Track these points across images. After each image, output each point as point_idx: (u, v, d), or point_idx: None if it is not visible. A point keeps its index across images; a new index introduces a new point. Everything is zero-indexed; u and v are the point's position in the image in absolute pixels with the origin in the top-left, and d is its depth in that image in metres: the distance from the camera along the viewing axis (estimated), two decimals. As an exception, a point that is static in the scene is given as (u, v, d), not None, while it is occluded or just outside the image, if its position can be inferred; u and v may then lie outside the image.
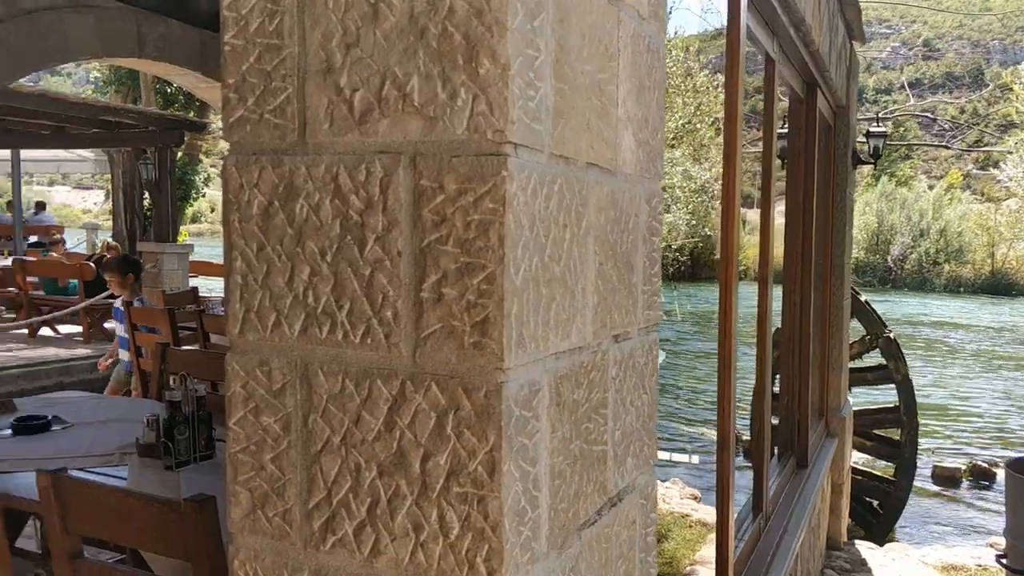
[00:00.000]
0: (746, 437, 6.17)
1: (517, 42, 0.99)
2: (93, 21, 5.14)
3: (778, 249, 3.70)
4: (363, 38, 1.07)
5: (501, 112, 0.98)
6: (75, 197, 44.42)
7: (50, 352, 9.94)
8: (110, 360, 5.68)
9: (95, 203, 46.31)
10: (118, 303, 5.30)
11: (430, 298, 1.04)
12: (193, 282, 11.03)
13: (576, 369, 1.19)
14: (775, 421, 4.03)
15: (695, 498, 6.22)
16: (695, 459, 8.21)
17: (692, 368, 16.25)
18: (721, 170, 2.62)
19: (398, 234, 1.06)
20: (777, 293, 3.82)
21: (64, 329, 11.05)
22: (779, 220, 3.68)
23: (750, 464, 3.58)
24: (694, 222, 31.89)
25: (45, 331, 10.85)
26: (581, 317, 1.19)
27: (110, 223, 16.35)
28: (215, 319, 5.18)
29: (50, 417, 3.03)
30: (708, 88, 32.48)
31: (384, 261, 1.07)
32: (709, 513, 5.82)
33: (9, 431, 2.95)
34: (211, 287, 12.64)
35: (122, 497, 1.85)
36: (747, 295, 3.01)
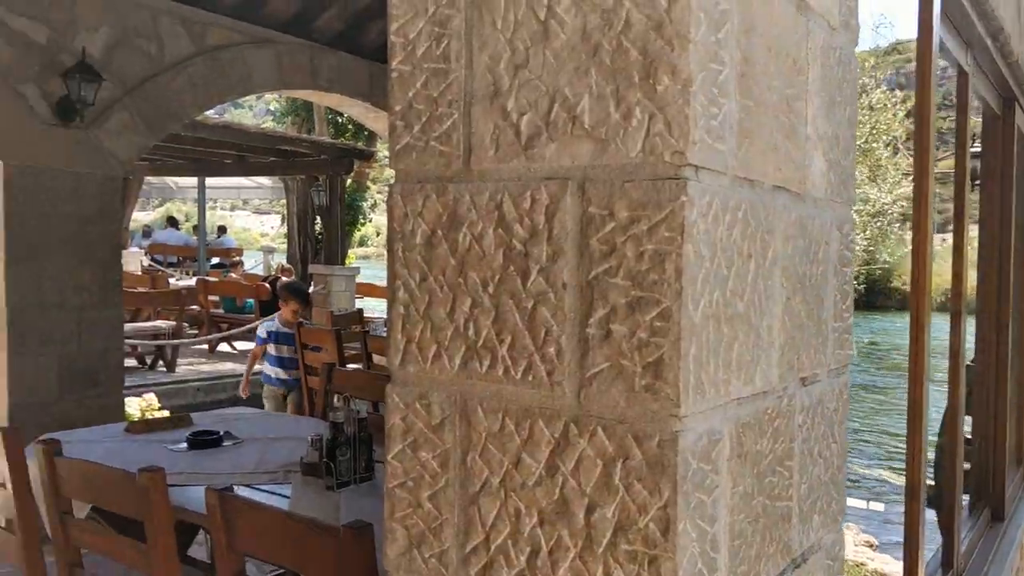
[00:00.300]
0: (930, 482, 5.66)
1: (700, 56, 0.90)
2: (272, 55, 5.44)
3: (970, 278, 3.36)
4: (532, 58, 1.01)
5: (681, 132, 0.89)
6: (254, 221, 47.59)
7: (227, 367, 10.62)
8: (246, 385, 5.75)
9: (272, 227, 49.41)
10: (261, 330, 5.47)
11: (597, 334, 0.96)
12: (359, 303, 11.48)
13: (760, 417, 1.07)
14: (966, 466, 3.66)
15: (871, 545, 5.78)
16: (877, 506, 7.63)
17: (859, 400, 15.29)
18: (900, 192, 2.39)
19: (563, 265, 0.99)
20: (970, 327, 3.47)
21: (240, 345, 11.79)
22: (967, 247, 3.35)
23: (935, 512, 3.25)
24: (871, 248, 30.15)
25: (223, 347, 11.62)
26: (766, 358, 1.08)
27: (285, 246, 17.38)
28: (378, 339, 5.34)
29: (222, 433, 3.18)
30: (885, 106, 30.75)
31: (548, 293, 1.00)
32: (887, 563, 5.37)
33: (185, 445, 3.11)
34: (376, 308, 13.15)
35: (283, 520, 1.87)
36: (935, 328, 2.74)
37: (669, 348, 0.90)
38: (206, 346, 11.37)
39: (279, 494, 2.62)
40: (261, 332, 5.47)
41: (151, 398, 5.74)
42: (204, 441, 3.10)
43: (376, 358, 5.35)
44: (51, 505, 2.29)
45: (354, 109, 6.38)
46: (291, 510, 2.43)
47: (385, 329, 7.00)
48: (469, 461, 1.08)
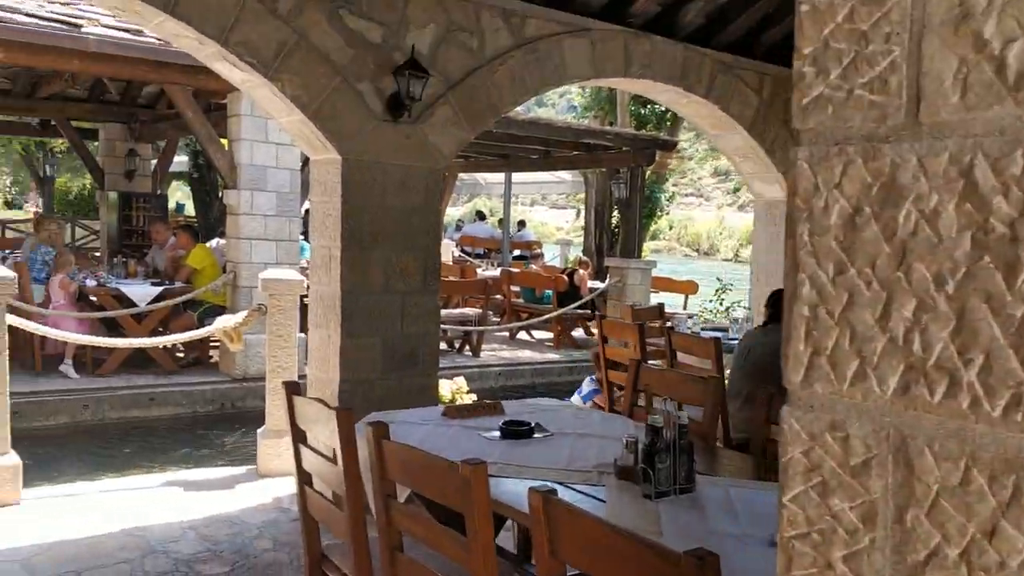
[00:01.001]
0: None
1: None
2: (586, 44, 5.36)
3: None
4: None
5: None
6: (551, 216, 49.26)
7: (525, 354, 10.98)
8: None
9: (566, 221, 50.84)
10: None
11: None
12: (654, 298, 11.29)
13: None
14: None
15: None
16: None
17: None
18: None
19: (1080, 255, 0.67)
20: None
21: (538, 334, 12.14)
22: None
23: None
24: None
25: (522, 335, 12.03)
26: None
27: (581, 239, 17.68)
28: (684, 337, 5.09)
29: (533, 424, 3.12)
30: None
31: (1052, 296, 0.69)
32: None
33: (498, 434, 3.08)
34: (671, 303, 12.88)
35: (612, 535, 1.69)
36: None
37: None
38: (507, 333, 11.83)
39: (592, 496, 2.47)
40: None
41: (461, 381, 5.98)
42: (516, 431, 3.06)
43: (680, 356, 5.10)
44: (377, 488, 2.33)
45: (664, 95, 6.14)
46: (607, 517, 2.27)
47: (688, 325, 6.72)
48: (909, 520, 0.79)
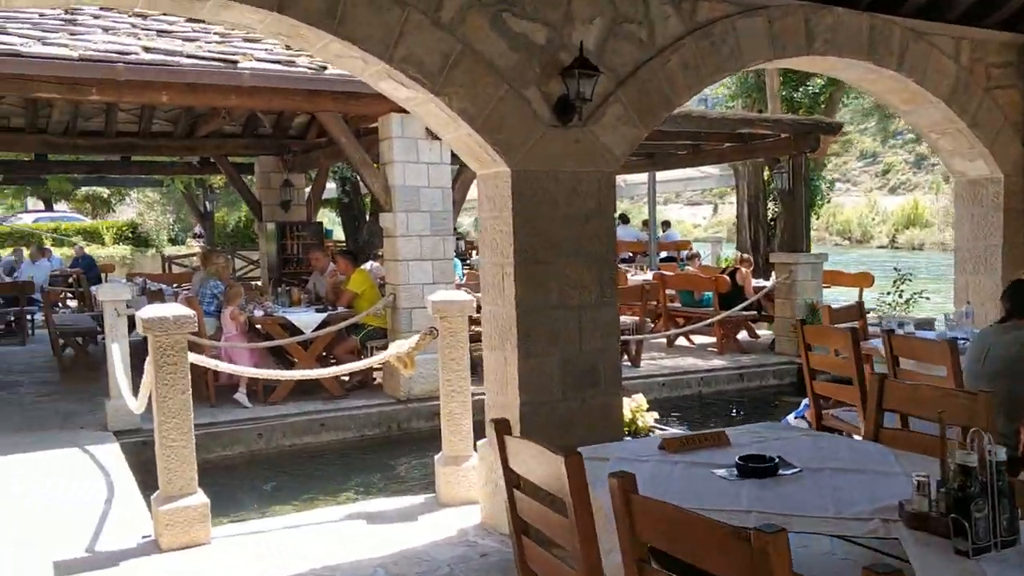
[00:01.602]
0: None
1: None
2: (762, 23, 4.91)
3: None
4: None
5: None
6: (686, 213, 48.07)
7: (688, 362, 10.40)
8: None
9: (703, 218, 49.57)
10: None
11: None
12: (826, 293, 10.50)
13: None
14: None
15: None
16: None
17: None
18: None
19: None
20: None
21: (698, 340, 11.54)
22: None
23: None
24: None
25: (680, 340, 11.46)
26: None
27: (720, 235, 16.92)
28: (906, 340, 4.47)
29: (775, 458, 2.69)
30: None
31: None
32: None
33: (735, 471, 2.67)
34: (839, 298, 11.99)
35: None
36: None
37: None
38: (664, 340, 11.30)
39: (885, 552, 2.03)
40: None
41: (640, 398, 5.58)
42: (758, 469, 2.63)
43: (902, 362, 4.48)
44: (628, 550, 1.98)
45: (849, 72, 5.56)
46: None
47: (911, 328, 6.02)
48: None
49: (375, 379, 8.89)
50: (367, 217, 15.22)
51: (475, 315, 5.44)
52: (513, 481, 2.54)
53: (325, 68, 7.72)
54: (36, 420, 7.69)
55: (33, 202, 33.36)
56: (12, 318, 12.69)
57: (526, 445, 2.42)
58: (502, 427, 2.56)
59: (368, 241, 14.34)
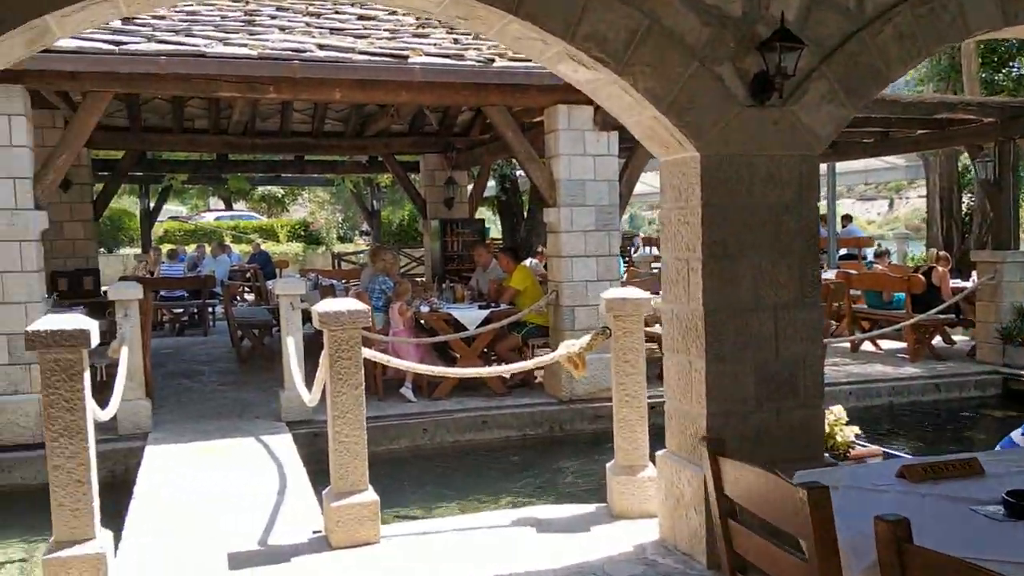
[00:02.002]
0: None
1: None
2: (995, -16, 4.24)
3: None
4: None
5: None
6: (859, 208, 45.30)
7: (876, 369, 9.55)
8: None
9: (878, 213, 46.63)
10: None
11: None
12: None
13: None
14: None
15: None
16: None
17: None
18: None
19: None
20: None
21: (886, 345, 10.60)
22: None
23: None
24: None
25: (866, 345, 10.56)
26: None
27: (891, 232, 15.59)
28: None
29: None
30: None
31: None
32: None
33: (1001, 509, 2.18)
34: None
35: None
36: None
37: None
38: (847, 344, 10.46)
39: None
40: None
41: (838, 410, 5.01)
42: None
43: None
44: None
45: (1099, 38, 4.75)
46: None
47: None
48: None
49: (536, 378, 8.69)
50: (525, 215, 15.13)
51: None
52: (727, 510, 2.18)
53: (492, 61, 7.57)
54: (216, 408, 8.00)
55: (214, 202, 35.77)
56: (195, 310, 13.46)
57: (749, 471, 2.05)
58: (715, 447, 2.20)
59: (526, 239, 14.24)
